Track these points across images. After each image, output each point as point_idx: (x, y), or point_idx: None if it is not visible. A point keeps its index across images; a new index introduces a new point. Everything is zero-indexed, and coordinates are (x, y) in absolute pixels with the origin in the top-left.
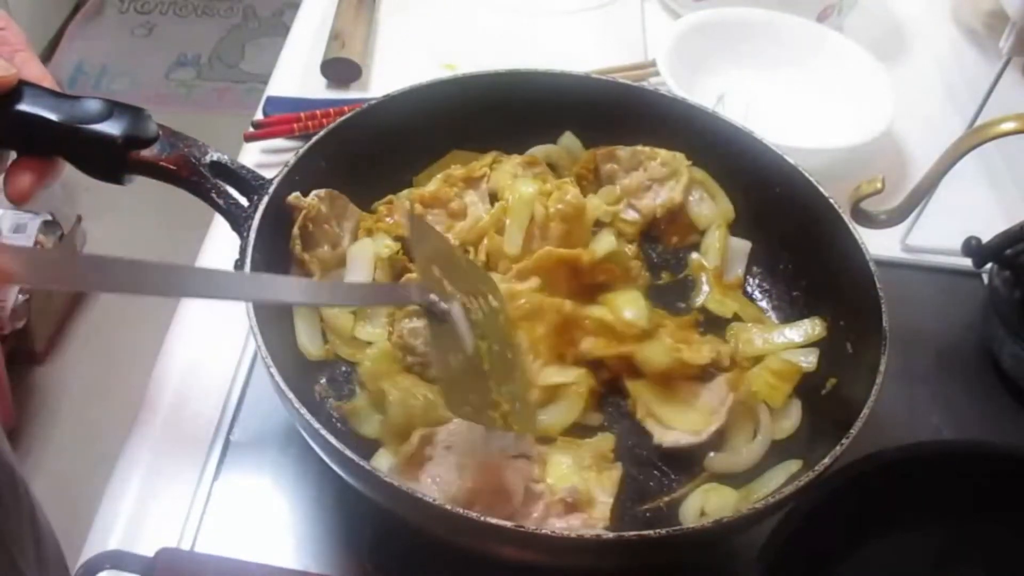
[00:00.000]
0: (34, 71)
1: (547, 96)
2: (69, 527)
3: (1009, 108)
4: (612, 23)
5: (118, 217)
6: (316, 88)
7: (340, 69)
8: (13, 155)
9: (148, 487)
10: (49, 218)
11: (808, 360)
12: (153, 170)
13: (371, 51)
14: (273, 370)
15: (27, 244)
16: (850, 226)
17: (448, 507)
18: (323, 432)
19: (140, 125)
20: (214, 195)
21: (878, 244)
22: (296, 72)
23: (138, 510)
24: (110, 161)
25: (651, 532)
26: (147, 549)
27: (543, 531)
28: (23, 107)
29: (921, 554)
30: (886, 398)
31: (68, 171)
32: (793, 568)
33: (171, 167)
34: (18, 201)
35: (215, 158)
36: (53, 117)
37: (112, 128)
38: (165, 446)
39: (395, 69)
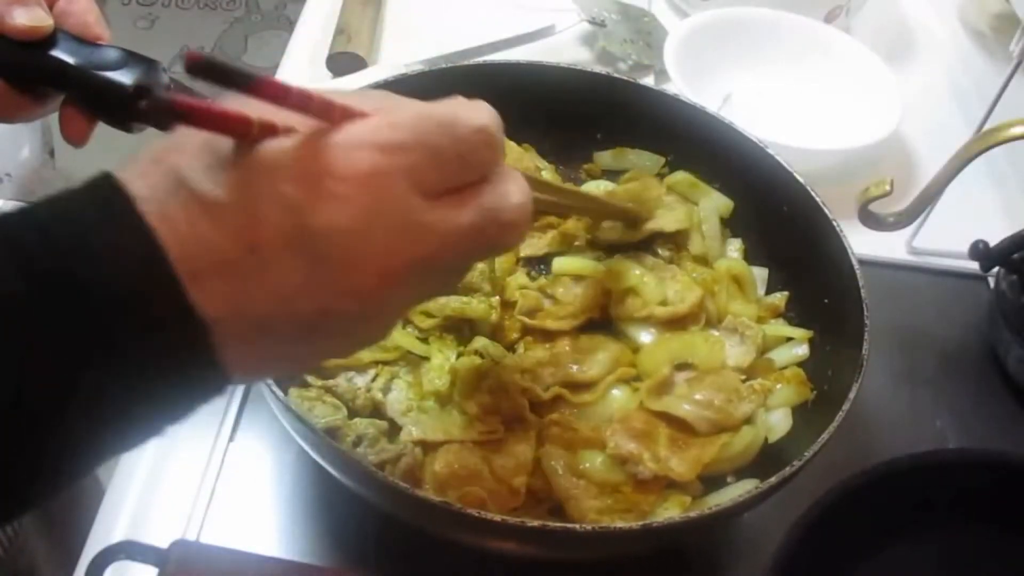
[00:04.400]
0: (78, 6)
1: (538, 89)
2: (72, 520)
3: (1018, 112)
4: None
5: None
6: (321, 82)
7: (345, 63)
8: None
9: (152, 481)
10: None
11: (800, 350)
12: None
13: (377, 46)
14: None
15: None
16: (833, 222)
17: (417, 493)
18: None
19: (152, 76)
20: None
21: (883, 246)
22: (301, 65)
23: (142, 504)
24: (119, 109)
25: (651, 522)
26: (152, 542)
27: (528, 524)
28: (56, 52)
29: (934, 563)
30: (889, 402)
31: (69, 163)
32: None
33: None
34: (77, 142)
35: None
36: (71, 61)
37: (124, 77)
38: (169, 440)
39: (400, 64)
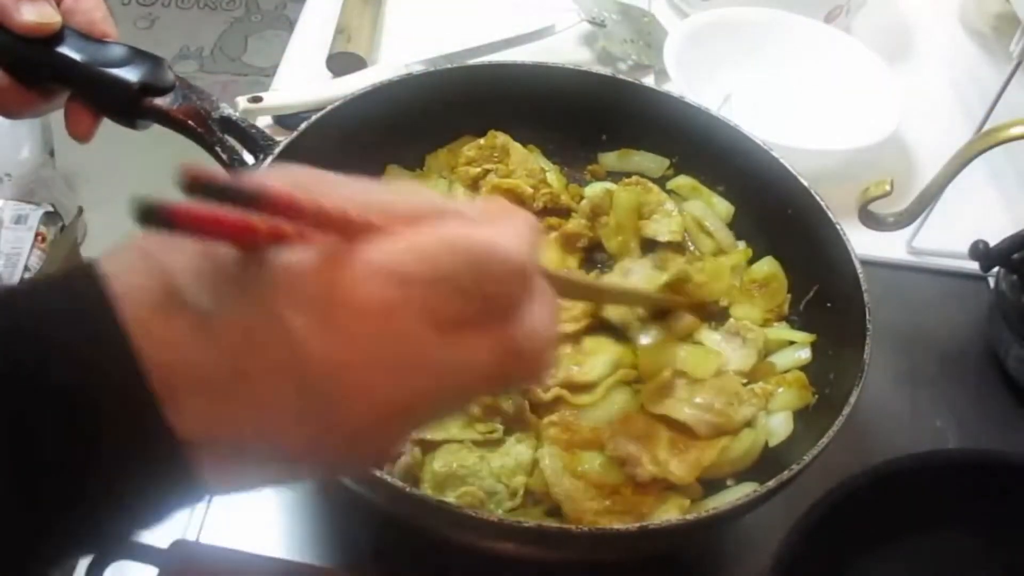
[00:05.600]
0: (85, 4)
1: (543, 90)
2: None
3: (1018, 112)
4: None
5: (120, 208)
6: (321, 82)
7: (345, 63)
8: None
9: None
10: (50, 209)
11: (803, 354)
12: (164, 118)
13: (377, 46)
14: None
15: (28, 235)
16: (837, 227)
17: (414, 492)
18: None
19: (157, 74)
20: (218, 149)
21: (883, 246)
22: (301, 65)
23: None
24: (124, 105)
25: (644, 524)
26: (152, 541)
27: (525, 524)
28: (62, 49)
29: (934, 563)
30: (890, 402)
31: (69, 163)
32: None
33: (180, 117)
34: (82, 139)
35: (225, 114)
36: (77, 57)
37: (130, 74)
38: None
39: (400, 64)
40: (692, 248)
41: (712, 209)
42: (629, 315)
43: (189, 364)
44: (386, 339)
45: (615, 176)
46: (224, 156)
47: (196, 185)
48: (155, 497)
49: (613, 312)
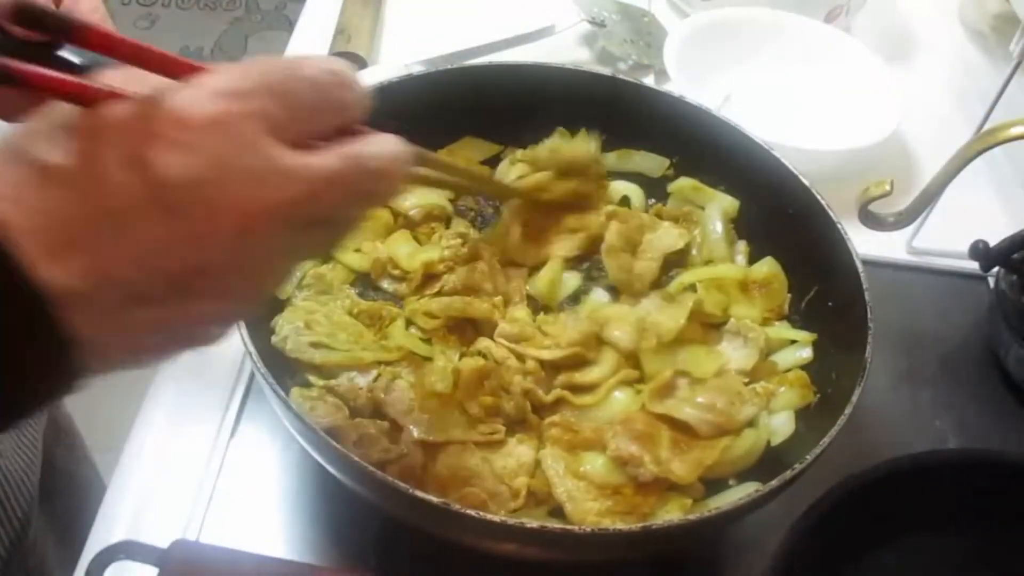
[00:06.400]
0: (84, 6)
1: (543, 90)
2: (78, 520)
3: (1018, 112)
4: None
5: None
6: None
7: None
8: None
9: (152, 481)
10: None
11: (804, 353)
12: None
13: (377, 46)
14: (261, 368)
15: None
16: (839, 227)
17: (416, 493)
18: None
19: None
20: None
21: (883, 246)
22: None
23: (142, 504)
24: None
25: (645, 525)
26: (152, 541)
27: (527, 525)
28: (63, 52)
29: (935, 563)
30: (890, 402)
31: None
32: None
33: None
34: None
35: None
36: (77, 60)
37: None
38: (170, 439)
39: (400, 65)
40: (695, 253)
41: (719, 207)
42: (637, 338)
43: (58, 219)
44: (228, 147)
45: (615, 176)
46: None
47: (21, 15)
48: (40, 368)
49: (618, 332)
